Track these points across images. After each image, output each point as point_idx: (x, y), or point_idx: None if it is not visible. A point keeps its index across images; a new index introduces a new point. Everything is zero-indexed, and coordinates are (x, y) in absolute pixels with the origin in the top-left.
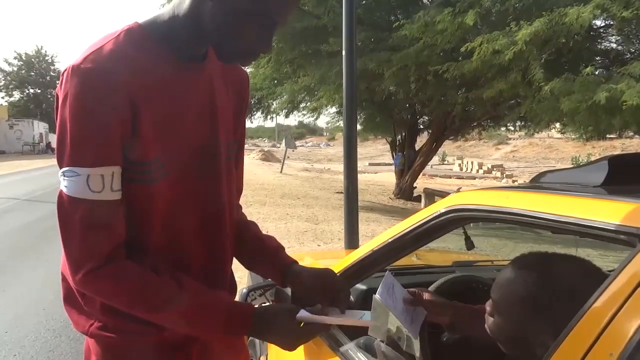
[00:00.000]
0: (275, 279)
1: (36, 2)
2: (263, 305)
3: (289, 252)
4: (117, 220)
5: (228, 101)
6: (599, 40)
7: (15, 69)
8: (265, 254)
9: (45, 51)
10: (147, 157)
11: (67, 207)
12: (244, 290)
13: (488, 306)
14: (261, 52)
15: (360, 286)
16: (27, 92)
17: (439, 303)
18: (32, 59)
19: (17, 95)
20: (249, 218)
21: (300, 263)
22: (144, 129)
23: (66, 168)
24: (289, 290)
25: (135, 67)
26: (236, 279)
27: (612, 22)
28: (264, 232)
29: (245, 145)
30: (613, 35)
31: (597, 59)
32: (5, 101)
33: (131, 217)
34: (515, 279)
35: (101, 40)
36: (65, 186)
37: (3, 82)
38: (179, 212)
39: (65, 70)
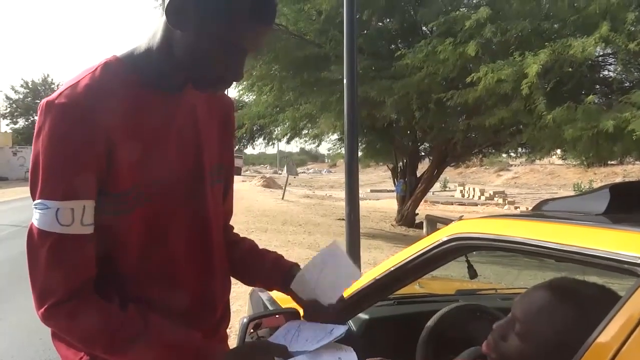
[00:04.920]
0: (278, 284)
1: (45, 31)
2: (237, 345)
3: None
4: (86, 255)
5: (212, 127)
6: (598, 70)
7: (21, 96)
8: (265, 263)
9: (52, 79)
10: (123, 187)
11: (36, 240)
12: (244, 320)
13: (499, 328)
14: (232, 79)
15: (363, 316)
16: (32, 119)
17: None
18: (39, 87)
19: (21, 122)
20: None
21: None
22: (120, 162)
23: (38, 201)
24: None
25: (111, 101)
26: (237, 307)
27: (611, 52)
28: None
29: (247, 172)
30: (611, 64)
31: (596, 87)
32: (10, 128)
33: (108, 248)
34: (555, 305)
35: (78, 75)
36: (36, 219)
37: (9, 109)
38: (161, 238)
39: (40, 105)
